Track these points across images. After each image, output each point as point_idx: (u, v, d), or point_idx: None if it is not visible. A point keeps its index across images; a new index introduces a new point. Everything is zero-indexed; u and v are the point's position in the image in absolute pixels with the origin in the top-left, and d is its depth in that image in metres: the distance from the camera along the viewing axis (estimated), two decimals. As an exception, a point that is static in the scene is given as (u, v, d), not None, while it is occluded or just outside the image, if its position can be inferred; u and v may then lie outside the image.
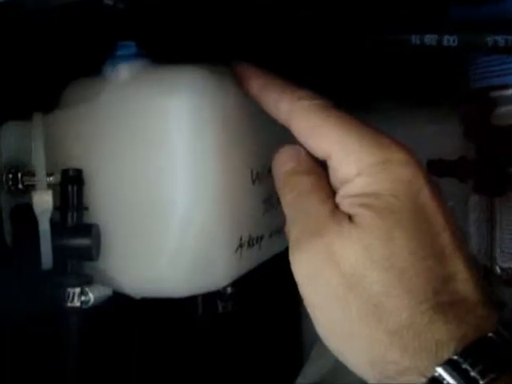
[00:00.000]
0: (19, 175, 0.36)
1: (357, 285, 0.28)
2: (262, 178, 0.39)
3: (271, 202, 0.40)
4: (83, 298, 0.35)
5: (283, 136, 0.43)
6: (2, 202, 0.36)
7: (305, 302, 0.31)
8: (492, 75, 0.42)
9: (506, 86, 0.41)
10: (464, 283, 0.29)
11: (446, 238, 0.29)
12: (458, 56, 0.43)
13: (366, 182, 0.29)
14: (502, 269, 0.41)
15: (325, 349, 0.55)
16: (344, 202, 0.30)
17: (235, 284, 0.44)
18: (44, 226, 0.34)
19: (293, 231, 0.31)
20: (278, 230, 0.42)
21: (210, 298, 0.44)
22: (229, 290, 0.44)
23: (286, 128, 0.43)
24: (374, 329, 0.28)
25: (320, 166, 0.32)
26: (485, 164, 0.38)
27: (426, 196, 0.29)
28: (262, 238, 0.40)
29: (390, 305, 0.28)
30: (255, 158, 0.39)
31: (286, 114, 0.33)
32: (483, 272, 0.44)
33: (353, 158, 0.30)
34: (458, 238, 0.30)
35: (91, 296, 0.35)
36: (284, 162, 0.33)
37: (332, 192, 0.31)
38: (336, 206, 0.30)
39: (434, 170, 0.39)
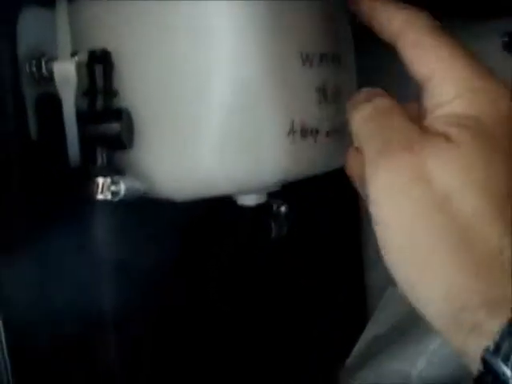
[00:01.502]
0: (43, 61, 0.32)
1: (448, 205, 0.26)
2: (314, 62, 0.34)
3: (326, 94, 0.36)
4: (114, 189, 0.31)
5: (337, 29, 0.39)
6: (25, 92, 0.33)
7: (376, 221, 0.28)
8: None
9: None
10: None
11: None
12: None
13: (468, 104, 0.28)
14: None
15: (396, 297, 0.49)
16: (438, 121, 0.28)
17: (291, 205, 0.40)
18: (68, 106, 0.30)
19: (372, 146, 0.29)
20: (335, 131, 0.37)
21: (263, 220, 0.39)
22: (283, 209, 0.39)
23: (340, 24, 0.39)
24: (460, 256, 0.26)
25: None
26: None
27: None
28: (317, 131, 0.35)
29: (481, 230, 0.26)
30: (306, 39, 0.34)
31: (396, 29, 0.31)
32: None
33: (456, 79, 0.29)
34: None
35: (122, 186, 0.31)
36: (359, 93, 0.32)
37: (415, 120, 0.29)
38: (425, 127, 0.29)
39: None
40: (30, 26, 0.33)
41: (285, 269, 0.45)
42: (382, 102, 0.30)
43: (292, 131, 0.32)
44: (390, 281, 0.51)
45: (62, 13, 0.33)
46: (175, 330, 0.40)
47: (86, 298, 0.35)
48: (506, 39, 0.35)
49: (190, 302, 0.41)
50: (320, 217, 0.46)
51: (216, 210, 0.38)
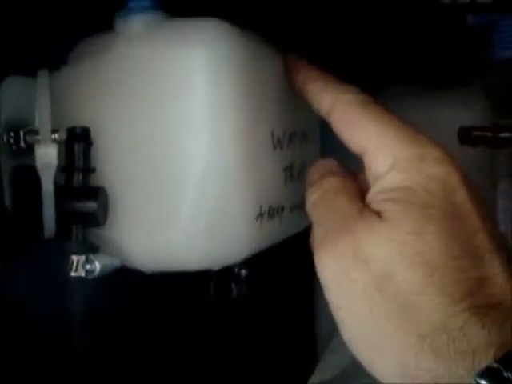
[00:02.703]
0: (21, 133, 0.33)
1: (386, 284, 0.27)
2: (283, 143, 0.37)
3: (292, 172, 0.38)
4: (88, 267, 0.32)
5: (305, 106, 0.41)
6: (2, 162, 0.33)
7: (331, 306, 0.29)
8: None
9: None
10: (501, 287, 0.27)
11: (482, 239, 0.27)
12: (485, 20, 0.41)
13: (399, 176, 0.28)
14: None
15: (343, 342, 0.52)
16: (375, 198, 0.29)
17: (250, 267, 0.42)
18: (47, 186, 0.31)
19: (319, 231, 0.30)
20: (299, 204, 0.40)
21: (224, 281, 0.41)
22: (244, 272, 0.41)
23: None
24: (405, 332, 0.26)
25: (351, 173, 0.32)
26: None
27: (461, 195, 0.28)
28: (282, 209, 0.37)
29: (422, 305, 0.26)
30: (276, 121, 0.36)
31: (327, 105, 0.32)
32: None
33: (387, 151, 0.29)
34: (495, 240, 0.28)
35: (97, 265, 0.32)
36: (315, 169, 0.33)
37: (361, 193, 0.30)
38: (365, 205, 0.29)
39: (466, 138, 0.37)
40: (11, 95, 0.33)
41: (243, 321, 0.47)
42: (330, 183, 0.31)
43: (260, 215, 0.34)
44: (336, 329, 0.54)
45: (43, 85, 0.33)
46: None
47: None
48: (462, 133, 0.37)
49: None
50: (275, 274, 0.48)
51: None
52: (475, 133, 0.36)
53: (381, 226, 0.27)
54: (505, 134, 0.36)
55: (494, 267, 0.27)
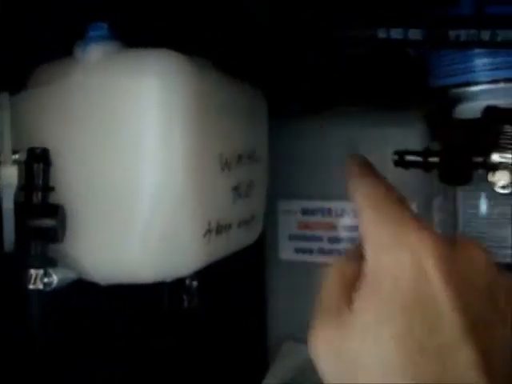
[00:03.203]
0: (-18, 153, 0.35)
1: (354, 373, 0.27)
2: (231, 165, 0.39)
3: (240, 192, 0.40)
4: (46, 280, 0.34)
5: (254, 127, 0.44)
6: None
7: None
8: (454, 73, 0.43)
9: (468, 84, 0.43)
10: (472, 371, 0.25)
11: (449, 330, 0.26)
12: (421, 53, 0.45)
13: (372, 263, 0.28)
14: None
15: (293, 348, 0.55)
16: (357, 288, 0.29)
17: (201, 278, 0.44)
18: (8, 204, 0.33)
19: (316, 309, 0.30)
20: (247, 221, 0.43)
21: (176, 293, 0.43)
22: (194, 283, 0.43)
23: (258, 120, 0.44)
24: None
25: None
26: (448, 153, 0.39)
27: (433, 283, 0.27)
28: (230, 226, 0.40)
29: None
30: (225, 144, 0.39)
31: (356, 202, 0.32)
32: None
33: (369, 240, 0.29)
34: (469, 326, 0.26)
35: (55, 278, 0.34)
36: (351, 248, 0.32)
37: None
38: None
39: (399, 161, 0.40)
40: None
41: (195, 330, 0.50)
42: (335, 265, 0.31)
43: (208, 231, 0.37)
44: (286, 335, 0.57)
45: (4, 107, 0.35)
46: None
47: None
48: (396, 158, 0.41)
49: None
50: (227, 284, 0.51)
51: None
52: (408, 157, 0.40)
53: (347, 316, 0.28)
54: (434, 159, 0.39)
55: (460, 360, 0.25)
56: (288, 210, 0.54)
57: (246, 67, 0.43)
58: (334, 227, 0.53)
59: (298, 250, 0.54)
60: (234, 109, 0.40)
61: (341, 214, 0.53)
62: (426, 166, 0.40)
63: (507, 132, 0.38)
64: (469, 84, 0.43)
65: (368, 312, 0.27)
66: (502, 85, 0.42)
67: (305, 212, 0.53)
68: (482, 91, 0.43)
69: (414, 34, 0.39)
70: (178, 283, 0.42)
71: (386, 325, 0.26)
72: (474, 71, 0.43)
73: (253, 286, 0.55)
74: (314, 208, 0.53)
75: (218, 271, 0.45)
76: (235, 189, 0.40)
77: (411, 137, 0.50)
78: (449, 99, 0.44)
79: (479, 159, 0.38)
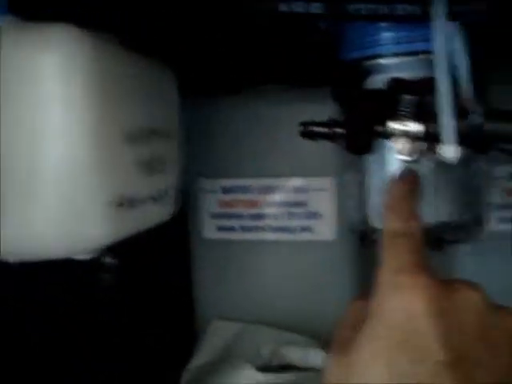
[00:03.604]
0: None
1: None
2: (137, 139, 0.39)
3: (149, 167, 0.41)
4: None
5: (162, 103, 0.44)
6: None
7: None
8: (362, 47, 0.44)
9: (374, 57, 0.44)
10: None
11: (436, 364, 0.27)
12: (328, 27, 0.46)
13: (372, 308, 0.30)
14: (373, 230, 0.43)
15: (220, 326, 0.55)
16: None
17: (117, 255, 0.44)
18: None
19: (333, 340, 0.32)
20: (159, 196, 0.43)
21: (92, 271, 0.43)
22: (108, 259, 0.43)
23: (166, 97, 0.45)
24: None
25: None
26: (352, 123, 0.40)
27: (422, 325, 0.28)
28: (139, 201, 0.40)
29: None
30: (128, 118, 0.39)
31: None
32: (359, 236, 0.46)
33: (378, 278, 0.31)
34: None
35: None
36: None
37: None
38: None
39: (306, 132, 0.41)
40: None
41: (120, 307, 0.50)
42: (351, 309, 0.33)
43: (115, 203, 0.37)
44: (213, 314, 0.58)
45: None
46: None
47: None
48: (302, 129, 0.41)
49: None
50: (151, 261, 0.51)
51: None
52: (313, 128, 0.41)
53: (351, 355, 0.29)
54: (339, 129, 0.40)
55: None
56: (209, 189, 0.54)
57: (156, 45, 0.43)
58: (254, 204, 0.54)
59: (220, 228, 0.54)
60: (139, 85, 0.40)
61: (262, 191, 0.53)
62: (331, 137, 0.41)
63: (406, 101, 0.40)
64: (375, 57, 0.44)
65: (365, 350, 0.29)
66: (405, 58, 0.44)
67: (225, 190, 0.54)
68: (387, 64, 0.44)
69: (316, 8, 0.40)
70: (94, 261, 0.42)
71: (378, 361, 0.28)
72: (381, 44, 0.44)
73: (178, 265, 0.55)
74: (234, 186, 0.54)
75: (140, 250, 0.45)
76: (142, 163, 0.40)
77: (327, 113, 0.51)
78: (358, 73, 0.45)
79: (380, 128, 0.39)
